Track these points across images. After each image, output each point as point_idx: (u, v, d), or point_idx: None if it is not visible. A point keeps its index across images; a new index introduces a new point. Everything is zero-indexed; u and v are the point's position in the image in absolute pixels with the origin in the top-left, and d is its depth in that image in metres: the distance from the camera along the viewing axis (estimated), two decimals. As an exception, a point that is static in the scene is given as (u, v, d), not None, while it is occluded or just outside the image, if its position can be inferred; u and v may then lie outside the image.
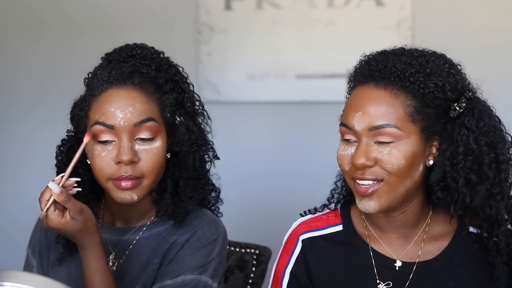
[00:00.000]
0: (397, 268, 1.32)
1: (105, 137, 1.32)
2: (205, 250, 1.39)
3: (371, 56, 1.32)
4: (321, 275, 1.36)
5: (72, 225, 1.27)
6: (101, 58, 1.44)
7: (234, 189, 2.63)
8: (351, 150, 1.27)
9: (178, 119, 1.40)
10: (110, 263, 1.40)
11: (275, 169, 2.75)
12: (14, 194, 2.91)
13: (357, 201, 1.29)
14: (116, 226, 1.45)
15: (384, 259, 1.33)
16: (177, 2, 2.91)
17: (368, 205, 1.26)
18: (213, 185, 1.50)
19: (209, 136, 1.49)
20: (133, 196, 1.33)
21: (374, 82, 1.26)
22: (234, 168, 2.77)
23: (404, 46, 1.32)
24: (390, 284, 1.31)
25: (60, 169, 1.41)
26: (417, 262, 1.32)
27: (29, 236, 1.52)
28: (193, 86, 1.47)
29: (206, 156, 1.47)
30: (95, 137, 1.32)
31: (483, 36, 2.65)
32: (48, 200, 1.25)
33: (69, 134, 1.42)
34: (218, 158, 1.50)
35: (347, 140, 1.28)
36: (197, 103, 1.47)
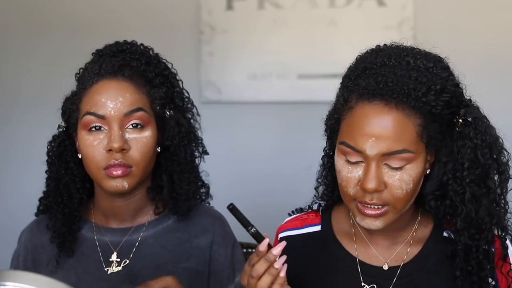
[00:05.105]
0: (381, 271, 1.28)
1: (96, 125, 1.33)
2: (230, 244, 1.46)
3: (372, 66, 1.22)
4: (301, 272, 1.32)
5: None
6: (92, 54, 1.46)
7: (234, 188, 2.63)
8: (357, 172, 1.18)
9: (168, 112, 1.42)
10: (115, 263, 1.40)
11: (276, 169, 2.75)
12: (17, 194, 2.91)
13: (358, 218, 1.22)
14: (111, 227, 1.44)
15: (368, 266, 1.29)
16: (179, 2, 2.91)
17: (372, 224, 1.21)
18: (202, 181, 1.51)
19: (198, 133, 1.50)
20: (124, 184, 1.33)
21: (384, 102, 1.16)
22: (235, 168, 2.78)
23: (403, 52, 1.23)
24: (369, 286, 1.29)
25: (52, 164, 1.43)
26: (402, 265, 1.28)
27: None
28: (182, 83, 1.48)
29: (196, 151, 1.48)
30: (85, 127, 1.34)
31: (485, 36, 2.65)
32: None
33: (60, 129, 1.43)
34: (207, 154, 1.51)
35: (351, 162, 1.19)
36: (186, 99, 1.48)
